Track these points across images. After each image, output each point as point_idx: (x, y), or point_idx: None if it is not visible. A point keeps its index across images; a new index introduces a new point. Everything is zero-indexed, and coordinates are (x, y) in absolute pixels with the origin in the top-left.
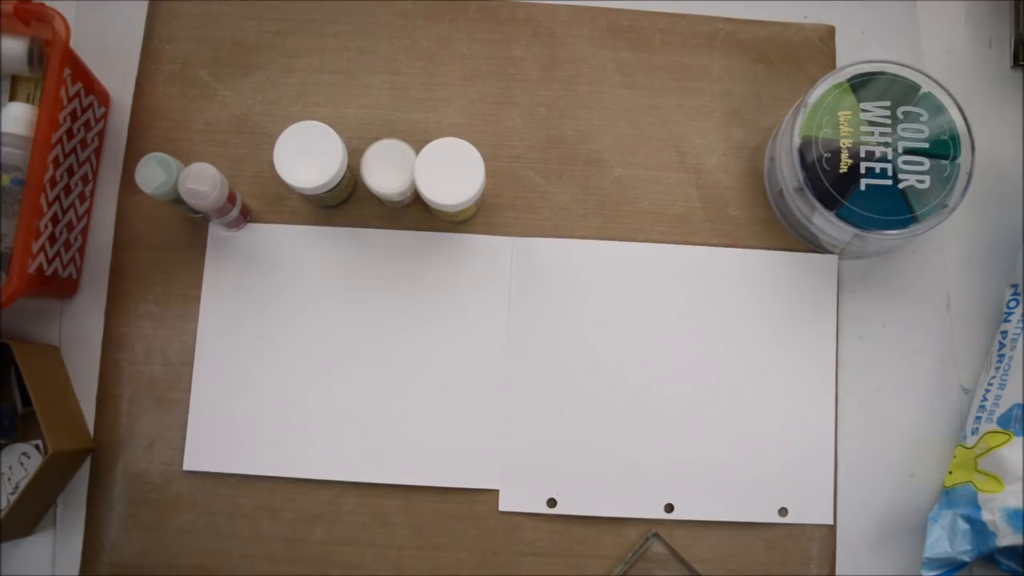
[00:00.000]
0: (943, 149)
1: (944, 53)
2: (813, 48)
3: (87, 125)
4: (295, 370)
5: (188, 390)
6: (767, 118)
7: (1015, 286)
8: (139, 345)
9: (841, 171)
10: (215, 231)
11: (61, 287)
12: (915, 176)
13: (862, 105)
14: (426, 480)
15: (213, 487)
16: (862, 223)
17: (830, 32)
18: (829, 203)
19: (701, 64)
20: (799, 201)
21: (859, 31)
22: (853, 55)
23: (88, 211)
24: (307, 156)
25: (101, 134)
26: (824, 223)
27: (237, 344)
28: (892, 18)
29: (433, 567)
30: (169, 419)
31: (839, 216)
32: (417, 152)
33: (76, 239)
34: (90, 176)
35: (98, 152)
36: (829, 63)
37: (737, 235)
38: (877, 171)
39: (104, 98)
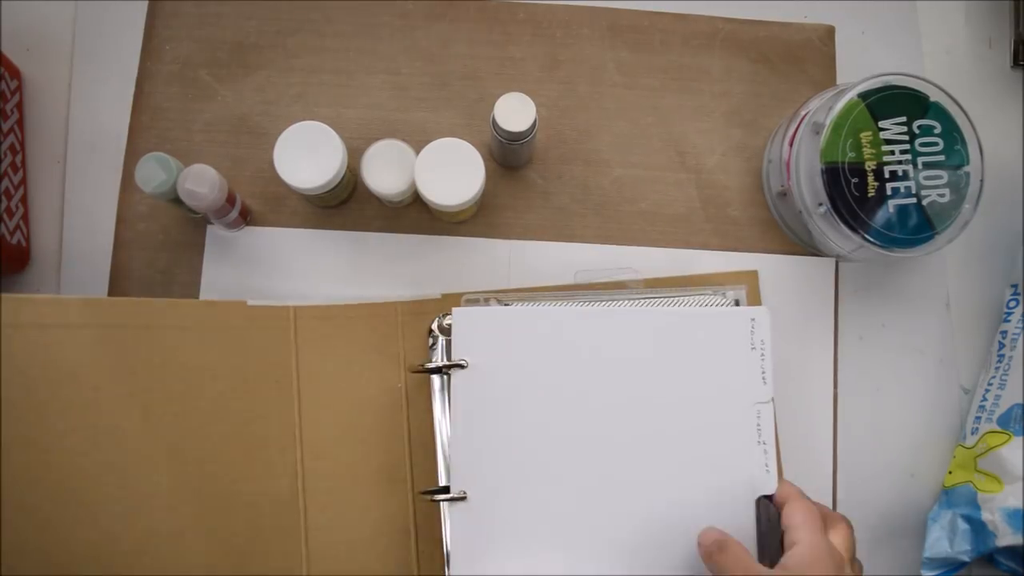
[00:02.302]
0: (957, 159)
1: (944, 53)
2: (813, 48)
3: (2, 97)
4: None
5: None
6: (767, 118)
7: (1015, 286)
8: None
9: (869, 195)
10: (214, 232)
11: (11, 254)
12: (936, 191)
13: (880, 124)
14: None
15: None
16: (888, 243)
17: (830, 32)
18: (858, 226)
19: (701, 64)
20: (822, 223)
21: (859, 31)
22: (853, 55)
23: (23, 181)
24: (307, 156)
25: (19, 106)
26: (843, 240)
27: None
28: (892, 18)
29: None
30: None
31: (866, 239)
32: (417, 152)
33: (17, 207)
34: (18, 147)
35: (20, 124)
36: (829, 63)
37: (737, 235)
38: (902, 190)
39: (14, 71)
